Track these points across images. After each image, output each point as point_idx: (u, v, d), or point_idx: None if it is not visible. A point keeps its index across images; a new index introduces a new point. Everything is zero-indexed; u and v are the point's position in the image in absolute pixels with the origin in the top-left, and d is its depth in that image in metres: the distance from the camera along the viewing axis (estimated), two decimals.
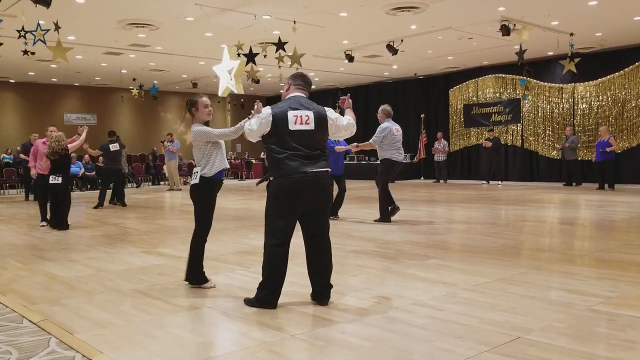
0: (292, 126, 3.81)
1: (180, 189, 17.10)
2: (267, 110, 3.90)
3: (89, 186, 17.75)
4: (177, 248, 6.56)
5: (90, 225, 8.96)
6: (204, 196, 4.52)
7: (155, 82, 20.30)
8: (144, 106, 21.91)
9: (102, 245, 6.85)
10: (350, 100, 4.38)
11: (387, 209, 8.44)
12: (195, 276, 4.57)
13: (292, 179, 3.75)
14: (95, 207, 11.75)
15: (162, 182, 19.94)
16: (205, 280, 4.58)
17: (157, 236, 7.62)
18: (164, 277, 5.01)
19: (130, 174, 18.86)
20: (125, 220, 9.70)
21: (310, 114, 3.88)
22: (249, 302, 3.98)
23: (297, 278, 4.87)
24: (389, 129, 8.29)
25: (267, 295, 3.88)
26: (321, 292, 4.01)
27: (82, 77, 19.40)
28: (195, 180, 4.48)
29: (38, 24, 9.32)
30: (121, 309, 4.00)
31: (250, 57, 11.48)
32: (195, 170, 4.53)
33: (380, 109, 8.59)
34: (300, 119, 3.83)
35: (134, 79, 15.99)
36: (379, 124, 8.49)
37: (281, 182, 3.79)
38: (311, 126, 3.85)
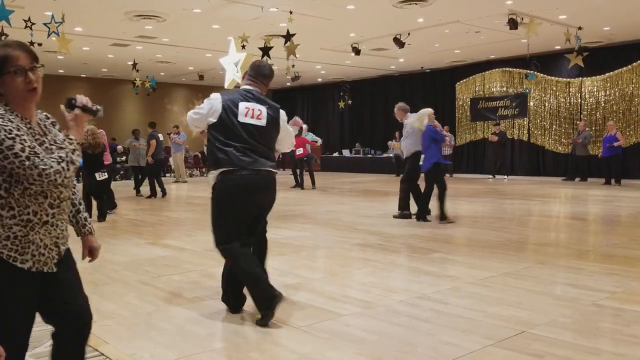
0: (241, 118, 3.49)
1: (187, 181, 17.14)
2: (216, 95, 3.58)
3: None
4: (182, 240, 6.58)
5: (96, 216, 9.00)
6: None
7: (161, 73, 20.32)
8: (151, 98, 21.90)
9: (107, 237, 6.88)
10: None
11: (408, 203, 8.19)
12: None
13: (243, 175, 3.44)
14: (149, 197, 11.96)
15: (168, 174, 19.99)
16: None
17: (163, 228, 7.64)
18: (170, 269, 5.03)
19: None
20: (131, 211, 9.73)
21: (263, 109, 3.57)
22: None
23: (302, 271, 4.89)
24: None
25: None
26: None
27: (89, 68, 19.43)
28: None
29: (52, 17, 9.32)
30: (126, 300, 4.02)
31: (265, 50, 11.48)
32: None
33: (397, 107, 8.56)
34: (252, 112, 3.52)
35: (137, 70, 15.93)
36: (400, 122, 8.51)
37: (231, 177, 3.46)
38: (262, 122, 3.54)
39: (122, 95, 22.24)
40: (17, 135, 1.79)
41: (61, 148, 1.88)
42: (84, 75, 21.26)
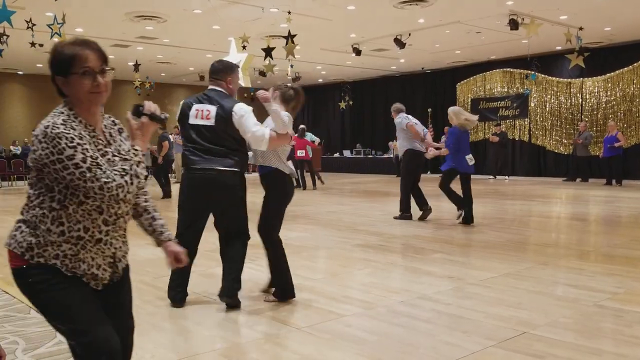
0: (192, 120, 3.71)
1: None
2: (183, 100, 3.88)
3: None
4: None
5: None
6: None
7: (162, 74, 20.33)
8: (151, 98, 21.76)
9: None
10: (266, 95, 3.80)
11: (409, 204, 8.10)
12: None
13: (194, 174, 3.67)
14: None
15: (169, 175, 19.98)
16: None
17: None
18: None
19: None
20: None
21: (213, 109, 3.68)
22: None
23: (302, 271, 4.88)
24: (413, 119, 8.31)
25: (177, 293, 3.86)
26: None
27: None
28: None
29: (55, 18, 9.32)
30: None
31: (268, 51, 11.49)
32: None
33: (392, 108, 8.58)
34: (201, 114, 3.69)
35: (137, 70, 15.95)
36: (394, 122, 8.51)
37: (186, 175, 3.75)
38: (211, 122, 3.66)
39: (122, 96, 22.23)
40: (78, 144, 1.64)
41: (125, 159, 1.73)
42: None
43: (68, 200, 1.69)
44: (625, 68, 15.48)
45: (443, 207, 9.90)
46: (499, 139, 16.78)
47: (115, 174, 1.67)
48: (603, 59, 15.60)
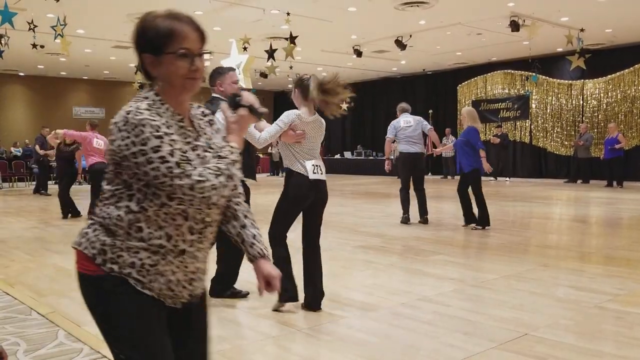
0: None
1: None
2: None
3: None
4: None
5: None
6: None
7: None
8: None
9: None
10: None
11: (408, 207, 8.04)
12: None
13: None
14: None
15: None
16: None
17: None
18: None
19: None
20: None
21: None
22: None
23: None
24: (392, 124, 8.32)
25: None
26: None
27: (91, 70, 19.47)
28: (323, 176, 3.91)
29: (58, 19, 9.33)
30: None
31: (270, 53, 11.51)
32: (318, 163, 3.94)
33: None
34: None
35: (136, 72, 15.91)
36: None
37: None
38: None
39: (124, 97, 22.25)
40: (165, 133, 1.39)
41: (219, 157, 1.45)
42: (86, 78, 21.30)
43: (148, 202, 1.43)
44: (626, 70, 15.47)
45: (444, 209, 9.90)
46: (500, 140, 16.77)
47: (209, 173, 1.39)
48: (604, 60, 15.59)
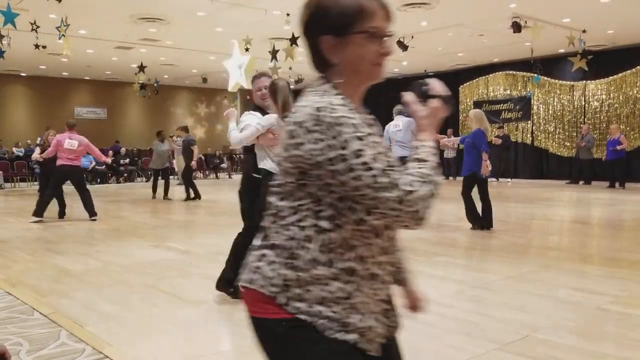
0: None
1: None
2: None
3: (98, 180, 17.86)
4: (186, 243, 6.58)
5: (100, 219, 9.01)
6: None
7: (165, 76, 20.35)
8: (154, 101, 21.97)
9: (111, 239, 6.89)
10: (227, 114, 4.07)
11: None
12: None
13: None
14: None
15: (171, 177, 20.00)
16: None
17: (166, 230, 7.65)
18: (173, 271, 5.03)
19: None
20: (135, 214, 9.75)
21: None
22: None
23: None
24: (385, 130, 8.46)
25: None
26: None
27: (93, 71, 19.50)
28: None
29: (62, 20, 9.33)
30: (130, 302, 4.02)
31: (274, 54, 11.53)
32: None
33: None
34: None
35: (139, 71, 15.90)
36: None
37: None
38: None
39: (125, 98, 22.29)
40: (368, 134, 1.15)
41: (418, 160, 1.19)
42: (88, 78, 21.33)
43: (344, 218, 1.17)
44: (629, 71, 15.45)
45: (446, 210, 9.89)
46: (502, 141, 16.75)
47: (415, 181, 1.14)
48: (606, 61, 15.57)
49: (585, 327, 3.35)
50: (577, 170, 15.54)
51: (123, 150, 19.31)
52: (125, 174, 18.70)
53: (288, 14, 10.76)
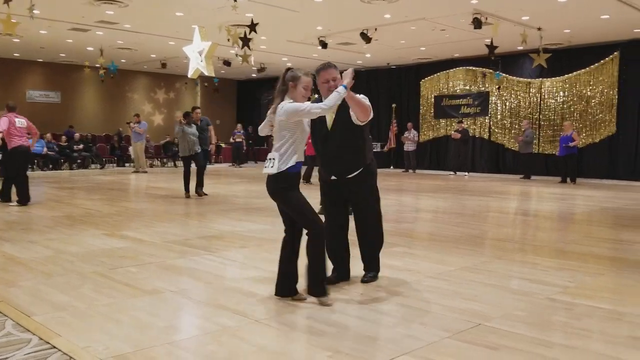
0: None
1: (147, 172, 16.81)
2: None
3: (50, 166, 17.29)
4: (140, 231, 6.44)
5: (51, 206, 8.73)
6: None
7: (122, 60, 19.81)
8: (111, 85, 21.37)
9: (62, 227, 6.69)
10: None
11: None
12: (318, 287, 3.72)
13: None
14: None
15: (127, 164, 19.58)
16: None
17: (121, 219, 7.47)
18: (127, 260, 4.92)
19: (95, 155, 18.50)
20: (88, 201, 9.48)
21: None
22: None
23: (263, 264, 4.86)
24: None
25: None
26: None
27: (47, 53, 18.79)
28: (272, 170, 3.65)
29: None
30: (81, 292, 3.91)
31: (245, 41, 11.35)
32: (272, 156, 3.68)
33: None
34: None
35: (91, 55, 15.40)
36: None
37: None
38: None
39: (80, 81, 21.58)
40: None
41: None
42: (41, 60, 20.54)
43: None
44: (582, 70, 15.94)
45: (404, 201, 10.02)
46: (461, 135, 17.08)
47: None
48: (562, 60, 16.03)
49: (535, 317, 3.45)
50: (521, 165, 16.15)
51: (77, 135, 18.74)
52: (79, 160, 18.16)
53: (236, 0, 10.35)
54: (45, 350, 2.80)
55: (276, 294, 3.75)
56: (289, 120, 3.64)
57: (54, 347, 2.85)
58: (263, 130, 3.93)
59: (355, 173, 4.06)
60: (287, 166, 3.61)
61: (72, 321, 3.27)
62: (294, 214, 3.67)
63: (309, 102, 3.84)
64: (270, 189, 3.71)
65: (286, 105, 3.69)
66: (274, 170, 3.61)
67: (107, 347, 2.86)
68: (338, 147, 4.04)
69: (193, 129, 9.89)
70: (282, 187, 3.64)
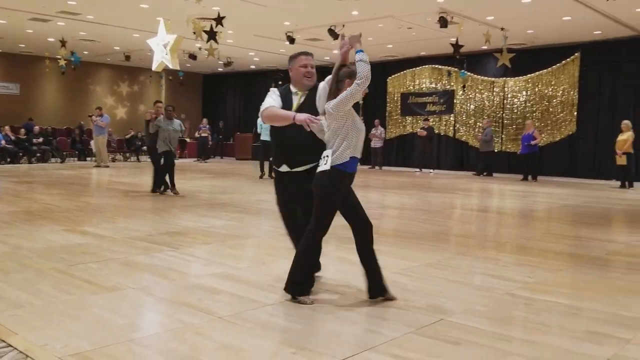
0: None
1: (108, 166, 16.45)
2: None
3: (8, 159, 16.74)
4: (101, 227, 6.30)
5: (9, 200, 8.46)
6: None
7: (85, 52, 19.33)
8: (73, 78, 20.80)
9: (21, 222, 6.48)
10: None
11: None
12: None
13: None
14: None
15: (89, 158, 19.12)
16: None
17: (82, 214, 7.29)
18: (87, 257, 4.80)
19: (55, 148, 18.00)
20: (48, 196, 9.22)
21: None
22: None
23: (228, 260, 4.82)
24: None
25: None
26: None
27: (5, 43, 18.17)
28: (325, 166, 3.59)
29: None
30: (39, 289, 3.80)
31: (211, 35, 11.18)
32: (326, 154, 3.62)
33: None
34: None
35: (63, 46, 14.98)
36: None
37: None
38: None
39: (41, 73, 20.94)
40: None
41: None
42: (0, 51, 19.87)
43: None
44: (544, 70, 16.34)
45: (370, 198, 10.08)
46: (426, 133, 17.30)
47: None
48: (525, 60, 16.39)
49: (496, 312, 3.51)
50: (481, 162, 16.48)
51: (37, 128, 18.19)
52: (39, 154, 17.63)
53: None
54: (0, 349, 2.71)
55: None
56: (338, 113, 3.67)
57: (10, 345, 2.76)
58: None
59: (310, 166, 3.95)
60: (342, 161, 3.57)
61: (30, 319, 3.18)
62: (318, 211, 3.70)
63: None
64: (317, 184, 3.66)
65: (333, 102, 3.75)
66: (327, 167, 3.58)
67: (66, 345, 2.79)
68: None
69: (175, 124, 9.60)
70: (333, 185, 3.66)
